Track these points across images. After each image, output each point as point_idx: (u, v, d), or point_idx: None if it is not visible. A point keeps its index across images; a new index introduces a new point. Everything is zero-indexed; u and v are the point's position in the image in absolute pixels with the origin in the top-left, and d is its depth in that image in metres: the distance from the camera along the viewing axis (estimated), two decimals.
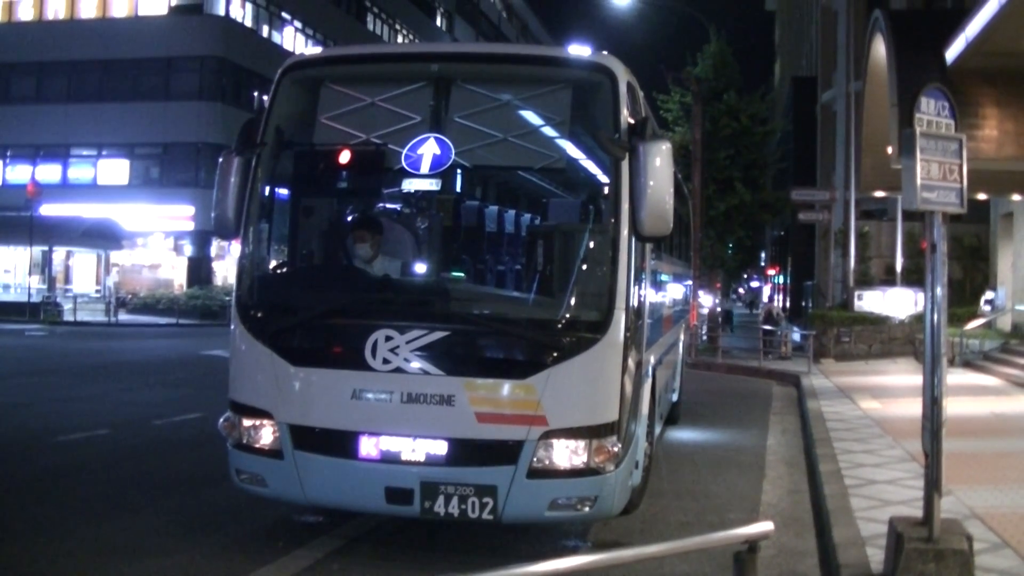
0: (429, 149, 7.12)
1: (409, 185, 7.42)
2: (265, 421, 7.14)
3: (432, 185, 7.29)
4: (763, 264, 69.81)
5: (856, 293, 29.71)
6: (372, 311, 7.18)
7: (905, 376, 21.70)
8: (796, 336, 29.27)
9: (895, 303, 28.49)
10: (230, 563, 7.09)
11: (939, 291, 6.44)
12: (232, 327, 7.51)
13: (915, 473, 9.80)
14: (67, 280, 49.65)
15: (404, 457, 6.83)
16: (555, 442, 6.71)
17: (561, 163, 7.48)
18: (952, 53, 19.23)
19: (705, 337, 31.65)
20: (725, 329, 35.88)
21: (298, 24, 55.45)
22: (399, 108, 7.44)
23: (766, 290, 73.55)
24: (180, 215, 48.48)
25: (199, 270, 50.32)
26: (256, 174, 7.47)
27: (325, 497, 7.19)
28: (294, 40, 54.58)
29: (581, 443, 6.74)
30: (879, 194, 29.18)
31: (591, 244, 7.22)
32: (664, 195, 6.71)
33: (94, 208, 46.72)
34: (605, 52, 7.59)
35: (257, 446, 7.20)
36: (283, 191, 8.05)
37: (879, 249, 33.99)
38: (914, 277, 29.02)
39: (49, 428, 12.89)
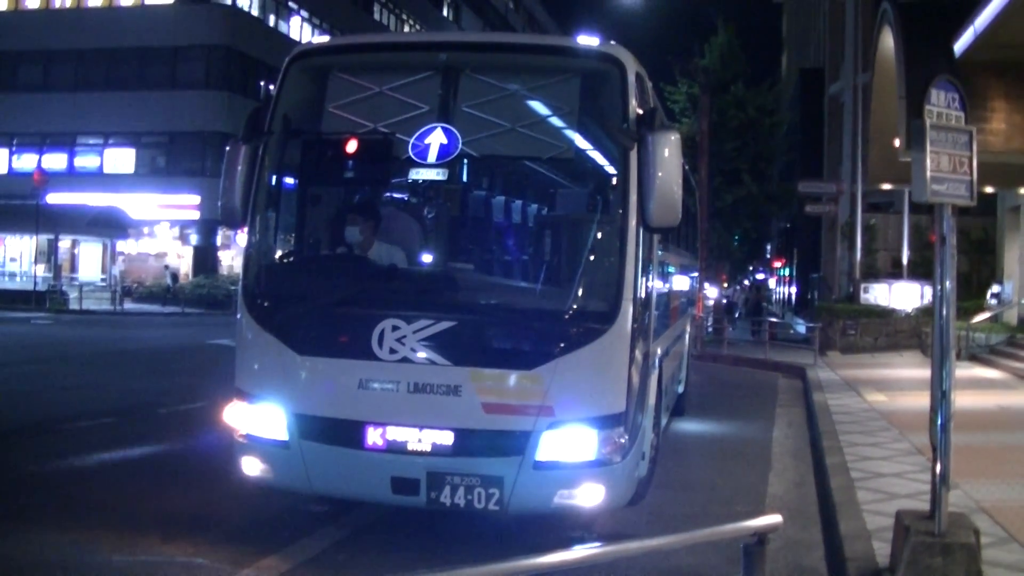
0: (436, 139, 7.09)
1: (416, 175, 7.36)
2: (271, 410, 7.13)
3: (439, 175, 7.24)
4: (769, 256, 69.69)
5: (862, 286, 29.67)
6: (379, 301, 7.17)
7: (911, 369, 21.67)
8: (801, 328, 29.20)
9: (902, 296, 28.44)
10: (235, 552, 7.08)
11: (948, 284, 6.41)
12: (239, 316, 7.51)
13: (921, 466, 9.79)
14: (73, 269, 49.73)
15: (410, 447, 6.81)
16: (562, 433, 6.70)
17: (569, 153, 7.45)
18: (960, 45, 19.15)
19: (711, 329, 31.62)
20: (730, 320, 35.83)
21: (304, 13, 55.40)
22: (406, 97, 7.41)
23: (761, 278, 73.49)
24: (186, 204, 48.51)
25: (205, 259, 50.36)
26: (263, 163, 7.46)
27: (331, 487, 7.20)
28: (300, 30, 54.55)
29: (588, 434, 6.73)
30: (886, 187, 29.13)
31: (599, 235, 7.21)
32: (673, 185, 6.69)
33: (100, 197, 46.78)
34: (613, 42, 7.57)
35: (263, 435, 7.19)
36: (290, 180, 8.03)
37: (885, 242, 33.94)
38: (920, 270, 28.96)
39: (54, 416, 12.91)
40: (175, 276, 47.76)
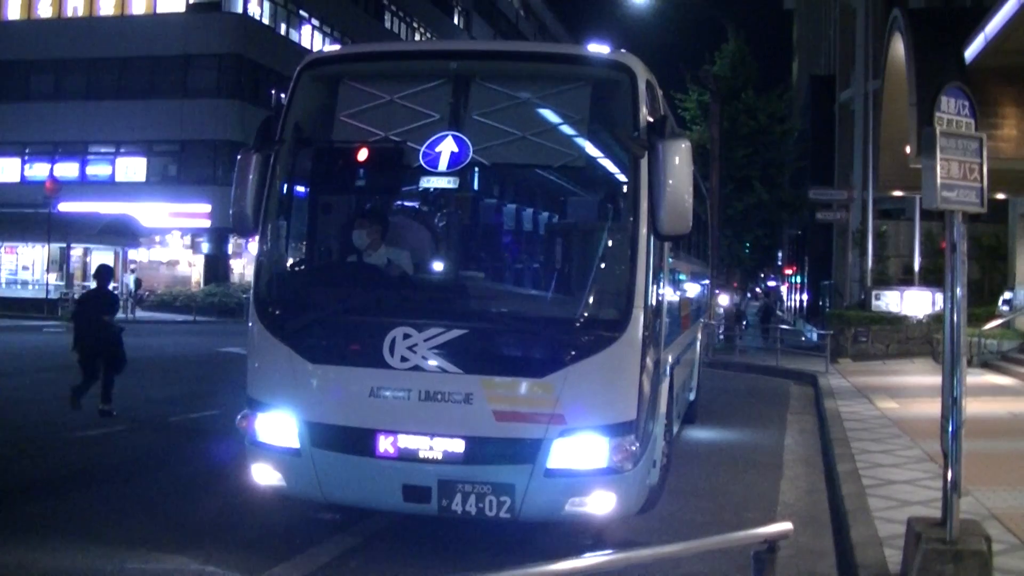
0: (447, 147, 7.11)
1: (427, 183, 7.39)
2: (283, 418, 7.15)
3: (450, 183, 7.26)
4: (780, 263, 69.56)
5: (874, 293, 29.60)
6: (390, 309, 7.19)
7: (923, 376, 21.59)
8: (812, 335, 29.12)
9: (913, 303, 28.38)
10: (247, 560, 7.10)
11: (959, 291, 6.40)
12: (250, 324, 7.52)
13: (933, 473, 9.76)
14: (85, 277, 49.76)
15: (422, 455, 6.82)
16: (573, 441, 6.70)
17: (580, 161, 7.46)
18: (971, 52, 19.12)
19: (722, 336, 31.58)
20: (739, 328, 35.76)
21: (316, 22, 55.54)
22: (418, 106, 7.42)
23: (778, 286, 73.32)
24: (197, 212, 48.72)
25: (216, 267, 50.49)
26: (274, 171, 7.48)
27: (342, 495, 7.20)
28: (311, 38, 54.68)
29: (599, 442, 6.72)
30: (897, 193, 29.07)
31: (610, 242, 7.21)
32: (683, 193, 6.69)
33: (112, 205, 47.00)
34: (624, 50, 7.58)
35: (275, 444, 7.21)
36: (301, 188, 8.05)
37: (897, 249, 33.89)
38: (932, 277, 28.89)
39: (67, 424, 12.94)
40: (138, 282, 47.89)
